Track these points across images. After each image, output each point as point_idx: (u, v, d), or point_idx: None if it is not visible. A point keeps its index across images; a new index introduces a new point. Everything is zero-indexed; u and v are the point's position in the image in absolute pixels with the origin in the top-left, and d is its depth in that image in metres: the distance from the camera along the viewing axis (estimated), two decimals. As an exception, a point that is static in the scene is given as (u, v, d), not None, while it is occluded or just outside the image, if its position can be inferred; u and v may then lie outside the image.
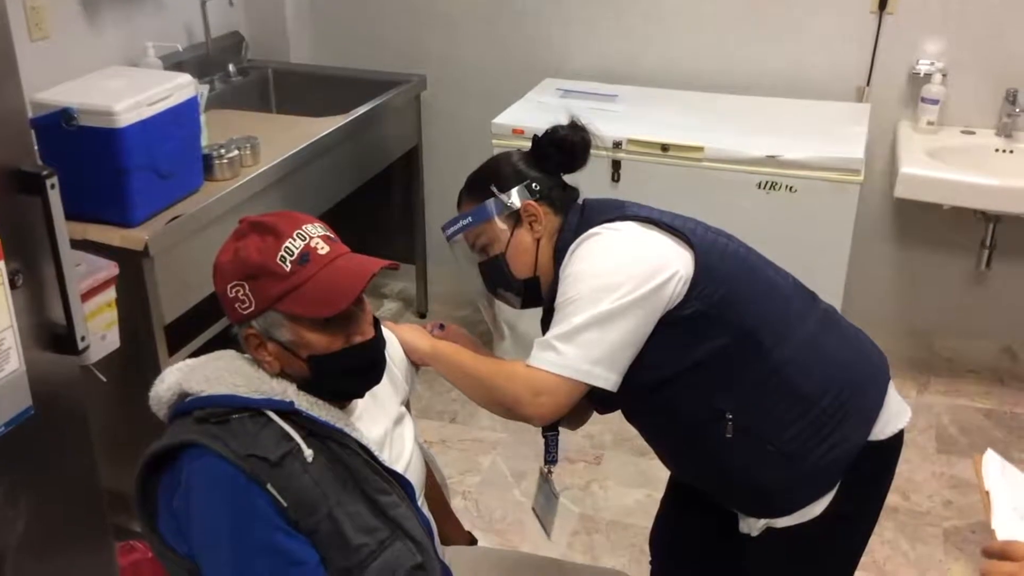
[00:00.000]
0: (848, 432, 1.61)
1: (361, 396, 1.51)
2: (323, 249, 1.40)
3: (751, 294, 1.67)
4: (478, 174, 1.76)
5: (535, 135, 1.77)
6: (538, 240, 1.71)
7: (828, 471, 1.60)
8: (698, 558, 1.97)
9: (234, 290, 1.39)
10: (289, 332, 1.40)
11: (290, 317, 1.39)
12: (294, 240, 1.39)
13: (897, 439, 1.68)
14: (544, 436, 1.87)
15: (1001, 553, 1.08)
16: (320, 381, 1.43)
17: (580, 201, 1.77)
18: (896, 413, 1.68)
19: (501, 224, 1.71)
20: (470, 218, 1.72)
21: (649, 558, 2.17)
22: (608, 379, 1.57)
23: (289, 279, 1.37)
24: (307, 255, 1.38)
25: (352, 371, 1.45)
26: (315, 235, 1.41)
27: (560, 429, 1.86)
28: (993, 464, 1.58)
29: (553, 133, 1.74)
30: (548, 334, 1.59)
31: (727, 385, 1.61)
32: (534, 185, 1.71)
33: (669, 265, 1.58)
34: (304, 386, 1.43)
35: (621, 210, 1.68)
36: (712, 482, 1.76)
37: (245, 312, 1.39)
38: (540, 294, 1.74)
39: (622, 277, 1.55)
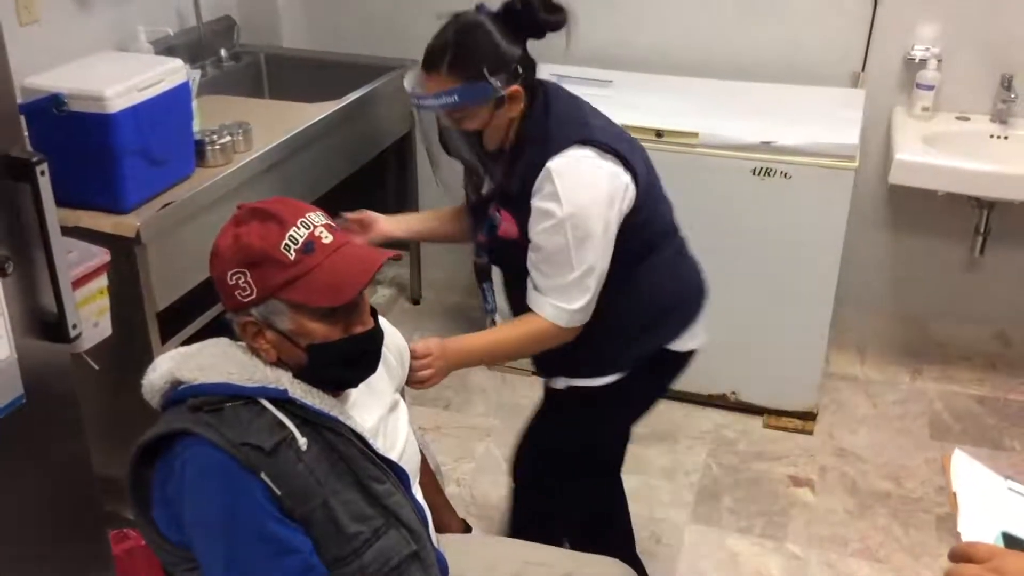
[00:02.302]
0: (660, 332, 1.97)
1: (356, 386, 1.51)
2: (327, 238, 1.39)
3: (655, 217, 1.95)
4: (462, 49, 1.76)
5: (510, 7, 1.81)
6: (511, 120, 1.82)
7: (632, 355, 1.95)
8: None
9: (234, 277, 1.38)
10: (290, 321, 1.39)
11: (292, 306, 1.38)
12: (298, 228, 1.38)
13: (687, 356, 2.04)
14: (481, 287, 2.06)
15: (963, 555, 1.07)
16: (318, 370, 1.42)
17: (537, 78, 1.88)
18: (695, 335, 2.03)
19: (485, 106, 1.78)
20: (456, 97, 1.77)
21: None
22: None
23: (293, 268, 1.36)
24: (311, 244, 1.38)
25: (351, 361, 1.45)
26: (318, 224, 1.40)
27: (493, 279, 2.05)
28: (962, 464, 1.57)
29: (533, 14, 1.80)
30: (550, 282, 1.81)
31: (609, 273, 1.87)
32: (519, 69, 1.79)
33: (627, 198, 1.83)
34: (300, 374, 1.43)
35: (587, 130, 1.83)
36: None
37: (245, 300, 1.38)
38: (498, 163, 1.87)
39: (601, 223, 1.78)
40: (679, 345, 2.00)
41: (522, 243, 1.85)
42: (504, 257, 1.95)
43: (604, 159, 1.80)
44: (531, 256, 1.84)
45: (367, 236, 2.05)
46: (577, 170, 1.78)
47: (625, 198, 1.83)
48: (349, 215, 2.07)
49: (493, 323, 2.06)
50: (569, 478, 2.14)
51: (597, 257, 1.80)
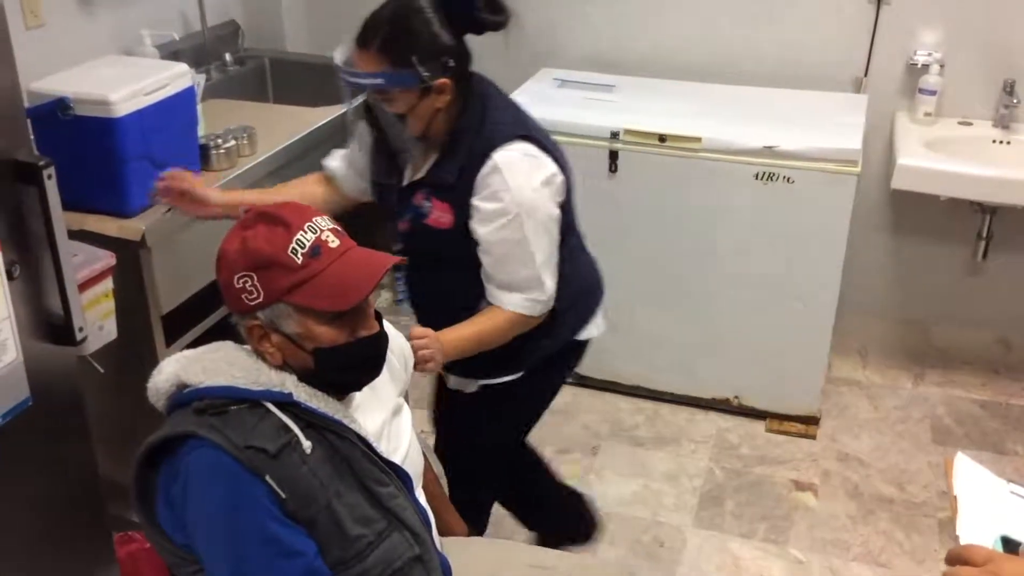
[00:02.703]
0: (572, 323, 2.05)
1: (360, 389, 1.51)
2: (333, 242, 1.41)
3: (570, 212, 1.99)
4: (396, 32, 1.76)
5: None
6: (438, 110, 1.82)
7: (549, 347, 2.01)
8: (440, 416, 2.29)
9: (241, 280, 1.38)
10: (296, 324, 1.39)
11: (299, 309, 1.39)
12: (305, 232, 1.39)
13: (585, 345, 2.13)
14: (395, 277, 2.09)
15: (960, 558, 1.07)
16: (323, 374, 1.43)
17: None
18: (598, 324, 2.13)
19: (411, 91, 1.78)
20: (382, 80, 1.77)
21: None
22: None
23: (300, 272, 1.37)
24: (318, 248, 1.39)
25: (356, 365, 1.46)
26: (325, 228, 1.41)
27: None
28: (964, 468, 1.58)
29: (473, 12, 1.79)
30: (516, 278, 1.86)
31: None
32: (451, 63, 1.79)
33: (561, 191, 1.91)
34: (304, 378, 1.43)
35: (526, 127, 1.89)
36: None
37: (252, 303, 1.39)
38: (428, 150, 1.89)
39: (549, 212, 1.87)
40: (585, 334, 2.10)
41: (451, 234, 1.87)
42: (422, 245, 1.91)
43: (542, 154, 1.86)
44: (487, 259, 1.87)
45: (196, 211, 2.06)
46: (523, 163, 1.83)
47: (560, 192, 1.90)
48: (168, 178, 2.04)
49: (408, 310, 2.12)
50: (499, 466, 2.26)
51: (552, 244, 1.89)
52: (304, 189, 2.14)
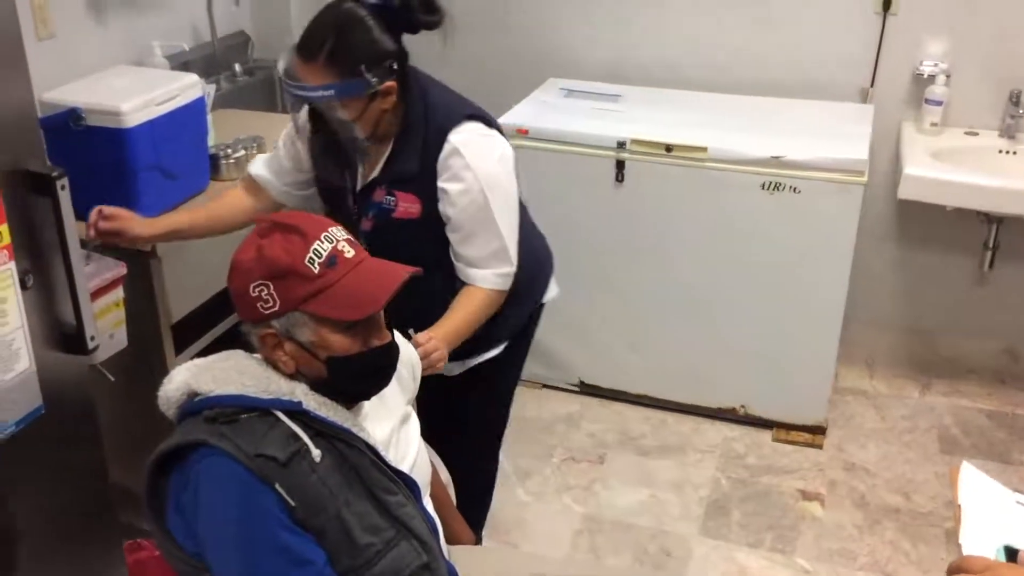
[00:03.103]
0: (538, 287, 2.16)
1: (370, 398, 1.52)
2: (349, 253, 1.42)
3: (519, 186, 2.03)
4: (341, 44, 1.78)
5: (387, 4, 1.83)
6: (384, 110, 1.87)
7: (523, 313, 2.13)
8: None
9: (257, 289, 1.39)
10: (311, 333, 1.41)
11: (315, 318, 1.40)
12: (321, 242, 1.40)
13: (543, 307, 2.24)
14: None
15: (959, 568, 1.08)
16: (336, 382, 1.44)
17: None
18: (552, 288, 2.23)
19: (361, 99, 1.82)
20: (333, 92, 1.80)
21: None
22: None
23: (317, 281, 1.38)
24: (335, 258, 1.40)
25: (368, 374, 1.47)
26: (340, 238, 1.43)
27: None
28: (969, 477, 1.58)
29: (411, 14, 1.83)
30: (483, 252, 1.93)
31: None
32: (394, 65, 1.84)
33: (513, 165, 1.98)
34: (316, 386, 1.45)
35: (470, 107, 1.96)
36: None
37: (267, 311, 1.40)
38: (379, 149, 1.93)
39: (510, 186, 1.95)
40: (547, 297, 2.22)
41: (420, 223, 1.93)
42: (390, 241, 1.92)
43: (491, 130, 1.96)
44: (453, 236, 1.94)
45: (120, 241, 1.98)
46: (479, 141, 1.92)
47: (513, 166, 1.98)
48: (99, 226, 1.94)
49: None
50: (496, 437, 2.37)
51: (514, 218, 1.97)
52: (233, 201, 2.14)
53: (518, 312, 2.11)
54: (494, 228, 1.93)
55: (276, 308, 1.40)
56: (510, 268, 1.97)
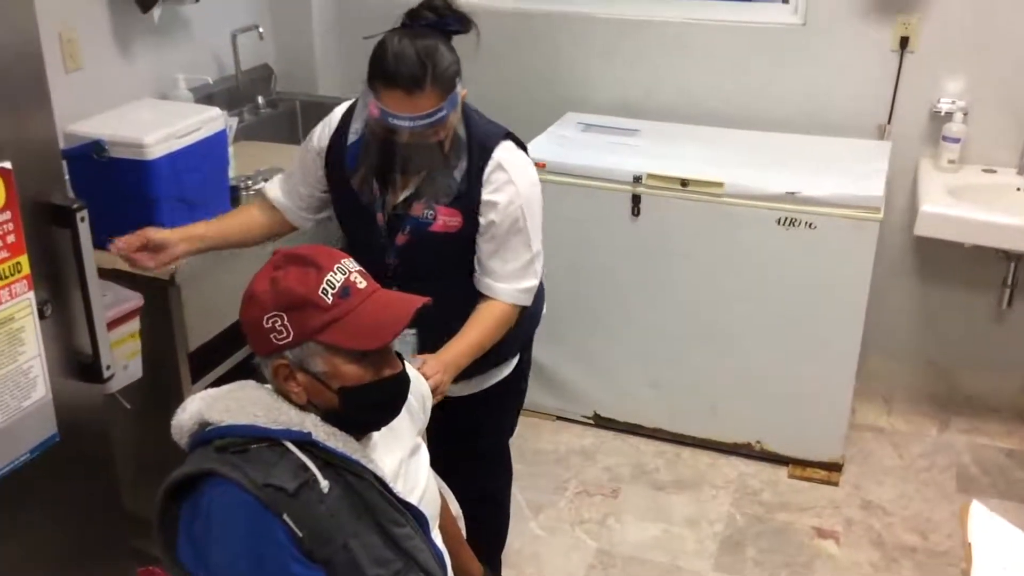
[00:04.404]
0: (540, 299, 2.15)
1: (380, 428, 1.54)
2: (361, 284, 1.45)
3: None
4: (439, 64, 1.82)
5: (448, 12, 1.89)
6: (454, 122, 1.91)
7: (533, 327, 2.20)
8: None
9: (271, 320, 1.41)
10: (324, 363, 1.42)
11: (328, 348, 1.42)
12: (335, 274, 1.43)
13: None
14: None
15: None
16: (348, 412, 1.46)
17: None
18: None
19: (456, 113, 1.89)
20: (445, 111, 1.84)
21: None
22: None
23: (331, 312, 1.40)
24: (348, 289, 1.42)
25: (380, 404, 1.49)
26: (353, 270, 1.45)
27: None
28: (979, 516, 1.58)
29: (450, 27, 1.89)
30: (510, 267, 1.98)
31: None
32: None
33: None
34: (328, 417, 1.46)
35: (504, 127, 2.03)
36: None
37: (281, 343, 1.41)
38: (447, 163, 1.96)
39: (540, 205, 2.03)
40: (544, 308, 2.26)
41: (459, 236, 1.97)
42: (423, 254, 1.99)
43: (525, 154, 2.05)
44: (486, 247, 1.98)
45: (159, 259, 1.99)
46: (518, 159, 2.00)
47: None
48: (122, 241, 1.95)
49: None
50: (506, 456, 2.41)
51: (539, 234, 2.03)
52: (248, 218, 2.17)
53: (532, 323, 2.17)
54: (525, 244, 1.99)
55: (290, 339, 1.41)
56: (535, 281, 2.03)
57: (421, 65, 1.81)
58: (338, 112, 2.08)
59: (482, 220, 1.97)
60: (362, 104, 1.96)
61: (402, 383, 1.51)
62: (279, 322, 1.41)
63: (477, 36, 1.93)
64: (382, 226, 1.99)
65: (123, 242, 1.94)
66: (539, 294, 2.16)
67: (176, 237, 2.01)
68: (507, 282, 2.00)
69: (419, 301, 1.48)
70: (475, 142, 1.96)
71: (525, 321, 2.10)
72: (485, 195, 1.95)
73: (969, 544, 1.51)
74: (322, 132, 2.07)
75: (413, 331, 2.00)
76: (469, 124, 1.96)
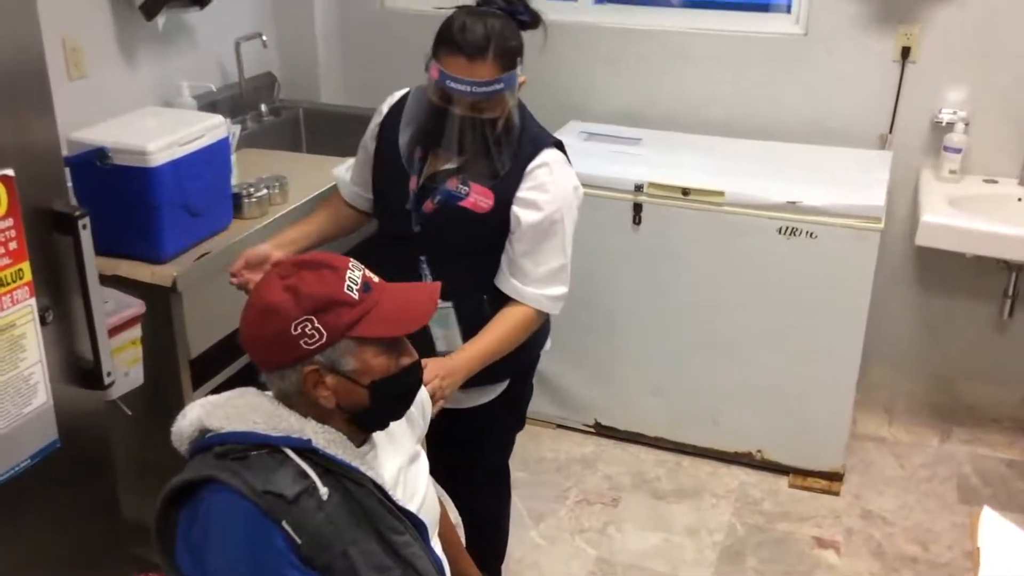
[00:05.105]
0: (545, 331, 2.19)
1: (398, 419, 1.56)
2: (375, 278, 1.48)
3: None
4: (504, 39, 1.88)
5: (519, 3, 1.96)
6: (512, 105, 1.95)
7: (548, 330, 2.20)
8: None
9: (300, 327, 1.40)
10: (355, 360, 1.43)
11: (360, 343, 1.43)
12: (352, 271, 1.44)
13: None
14: (417, 260, 2.06)
15: None
16: (376, 407, 1.47)
17: None
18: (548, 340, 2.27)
19: (513, 92, 1.93)
20: (502, 84, 1.88)
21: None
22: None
23: (359, 306, 1.42)
24: (368, 283, 1.45)
25: (402, 394, 1.52)
26: (361, 268, 1.48)
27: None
28: (990, 522, 1.58)
29: (524, 19, 1.96)
30: (541, 270, 1.98)
31: None
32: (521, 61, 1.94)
33: None
34: (353, 419, 1.47)
35: (551, 136, 2.06)
36: None
37: (312, 346, 1.41)
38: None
39: (576, 219, 2.04)
40: (546, 346, 2.28)
41: (486, 218, 1.97)
42: (447, 226, 2.00)
43: (570, 165, 2.07)
44: (519, 246, 1.98)
45: (263, 270, 1.99)
46: (565, 166, 2.03)
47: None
48: (235, 270, 2.00)
49: None
50: (506, 472, 2.42)
51: (571, 243, 2.03)
52: (335, 212, 2.24)
53: (547, 327, 2.18)
54: (560, 248, 2.00)
55: (323, 340, 1.41)
56: (565, 289, 2.03)
57: (486, 36, 1.87)
58: (397, 94, 2.14)
59: (520, 217, 1.97)
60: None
61: (419, 370, 1.54)
62: (309, 326, 1.40)
63: (544, 34, 1.98)
64: (414, 191, 2.01)
65: (235, 270, 2.00)
66: (545, 326, 2.16)
67: (271, 247, 2.07)
68: (536, 286, 2.00)
69: (437, 285, 1.53)
70: (527, 135, 1.99)
71: (532, 342, 2.09)
72: (523, 190, 1.97)
73: (978, 549, 1.51)
74: (376, 117, 2.15)
75: (449, 304, 2.01)
76: (524, 117, 2.00)
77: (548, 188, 1.97)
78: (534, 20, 1.98)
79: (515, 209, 1.97)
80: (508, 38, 1.90)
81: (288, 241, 2.13)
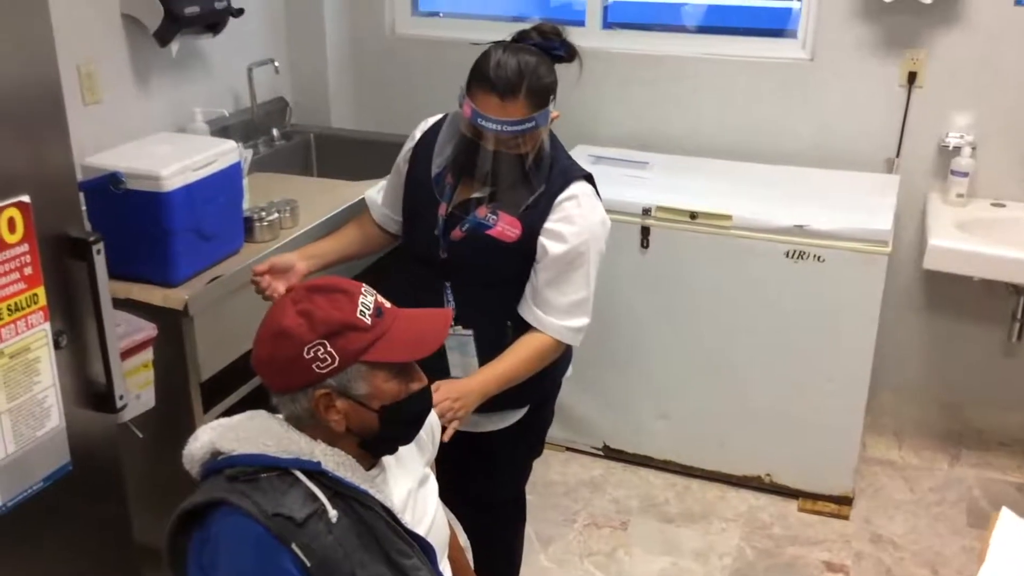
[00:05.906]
0: (565, 361, 2.21)
1: (407, 444, 1.57)
2: (387, 304, 1.49)
3: None
4: (538, 78, 1.90)
5: (555, 37, 1.98)
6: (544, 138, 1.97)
7: (550, 383, 2.21)
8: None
9: (313, 350, 1.42)
10: (366, 384, 1.45)
11: (372, 368, 1.44)
12: (365, 296, 1.46)
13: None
14: (443, 286, 2.08)
15: None
16: (385, 431, 1.48)
17: None
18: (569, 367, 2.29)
19: (544, 128, 1.96)
20: (535, 123, 1.91)
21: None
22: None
23: (372, 331, 1.43)
24: (380, 309, 1.46)
25: (413, 419, 1.53)
26: (373, 293, 1.49)
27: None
28: (1008, 521, 1.58)
29: (557, 53, 1.98)
30: (564, 300, 1.99)
31: None
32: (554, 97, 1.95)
33: None
34: (364, 443, 1.49)
35: (582, 169, 2.06)
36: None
37: (324, 371, 1.42)
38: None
39: (602, 253, 2.04)
40: (567, 374, 2.29)
41: (512, 248, 1.99)
42: (473, 254, 2.02)
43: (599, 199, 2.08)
44: (543, 275, 1.99)
45: (288, 281, 2.06)
46: (593, 199, 2.03)
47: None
48: (260, 269, 2.07)
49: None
50: (522, 499, 2.40)
51: (595, 276, 2.03)
52: (363, 232, 2.28)
53: (568, 354, 2.18)
54: (584, 281, 2.00)
55: (335, 365, 1.42)
56: (587, 320, 2.04)
57: (519, 74, 1.88)
58: (431, 120, 2.16)
59: (547, 247, 1.98)
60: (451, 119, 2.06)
61: (429, 394, 1.55)
62: (322, 350, 1.42)
63: (580, 66, 2.01)
64: (443, 217, 2.03)
65: (260, 270, 2.05)
66: (567, 352, 2.16)
67: (298, 257, 2.12)
68: (558, 316, 2.00)
69: (447, 312, 1.55)
70: (558, 167, 2.01)
71: (554, 370, 2.11)
72: (551, 222, 1.98)
73: (988, 545, 1.51)
74: (409, 142, 2.16)
75: (469, 332, 2.05)
76: (556, 149, 2.02)
77: (576, 220, 1.97)
78: (570, 54, 2.00)
79: (542, 240, 1.98)
80: (542, 76, 1.92)
81: (315, 254, 2.17)
